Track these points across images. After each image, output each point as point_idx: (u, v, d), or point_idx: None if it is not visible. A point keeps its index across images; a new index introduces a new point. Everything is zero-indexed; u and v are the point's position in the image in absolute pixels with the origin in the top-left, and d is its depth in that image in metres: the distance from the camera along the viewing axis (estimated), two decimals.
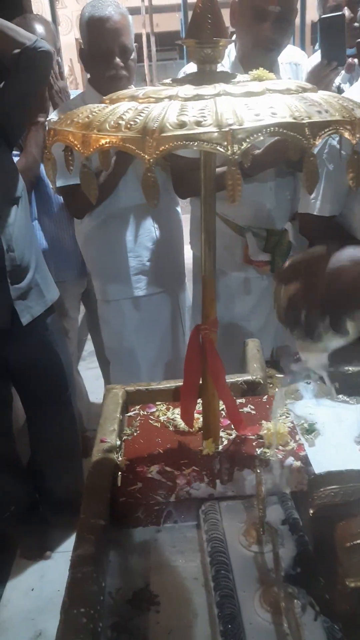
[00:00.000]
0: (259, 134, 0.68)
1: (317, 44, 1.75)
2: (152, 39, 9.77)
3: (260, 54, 1.59)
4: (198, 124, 0.69)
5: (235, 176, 0.68)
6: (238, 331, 1.89)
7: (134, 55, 1.78)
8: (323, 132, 0.71)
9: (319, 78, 1.70)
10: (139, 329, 2.06)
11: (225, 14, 1.06)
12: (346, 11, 1.96)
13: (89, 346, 3.53)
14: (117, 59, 1.72)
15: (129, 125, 0.71)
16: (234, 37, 1.68)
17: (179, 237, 2.08)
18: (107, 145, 0.72)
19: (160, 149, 0.69)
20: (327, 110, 0.73)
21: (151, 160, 0.69)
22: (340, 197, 1.62)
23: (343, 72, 1.82)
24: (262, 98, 0.73)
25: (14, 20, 2.06)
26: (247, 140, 0.68)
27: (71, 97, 2.09)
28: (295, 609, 0.70)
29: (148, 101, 0.76)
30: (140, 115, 0.72)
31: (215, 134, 0.68)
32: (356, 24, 1.89)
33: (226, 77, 0.83)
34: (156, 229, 1.98)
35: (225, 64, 1.68)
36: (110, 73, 1.74)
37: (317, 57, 1.98)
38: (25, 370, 1.82)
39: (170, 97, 0.75)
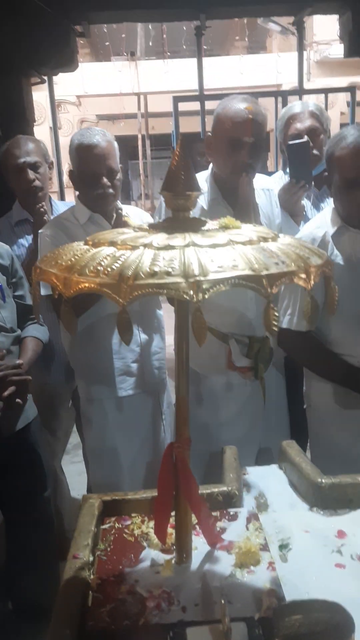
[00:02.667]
0: (222, 285, 0.76)
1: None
2: (147, 141, 10.47)
3: (236, 178, 1.74)
4: (168, 273, 0.77)
5: (201, 322, 0.75)
6: (224, 436, 1.92)
7: (119, 175, 1.94)
8: (279, 281, 0.79)
9: (289, 195, 1.86)
10: (121, 428, 2.08)
11: None
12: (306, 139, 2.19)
13: (73, 439, 3.51)
14: (104, 179, 1.88)
15: (106, 272, 0.79)
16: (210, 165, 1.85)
17: (161, 339, 2.16)
18: (86, 288, 0.80)
19: (134, 294, 0.77)
20: (283, 261, 0.82)
21: (125, 304, 0.76)
22: (316, 313, 1.72)
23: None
24: (225, 249, 0.82)
25: (7, 143, 2.27)
26: (211, 290, 0.76)
27: (63, 208, 2.24)
28: None
29: (125, 248, 0.85)
30: (117, 263, 0.80)
31: (183, 283, 0.76)
32: (315, 152, 2.09)
33: (196, 225, 0.93)
34: (140, 332, 2.06)
35: (203, 187, 1.84)
36: (97, 192, 1.90)
37: (279, 175, 2.17)
38: (3, 472, 1.82)
39: (145, 245, 0.84)
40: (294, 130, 2.17)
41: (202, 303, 0.75)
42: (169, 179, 0.93)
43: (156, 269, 0.78)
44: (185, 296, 0.75)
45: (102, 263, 0.81)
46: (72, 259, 0.85)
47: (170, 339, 2.15)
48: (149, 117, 10.39)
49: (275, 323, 0.79)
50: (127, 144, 12.24)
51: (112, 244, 0.87)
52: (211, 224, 0.95)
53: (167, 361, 2.23)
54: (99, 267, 0.80)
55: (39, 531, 1.92)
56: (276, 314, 0.79)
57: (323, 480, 1.32)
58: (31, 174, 2.22)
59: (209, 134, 1.80)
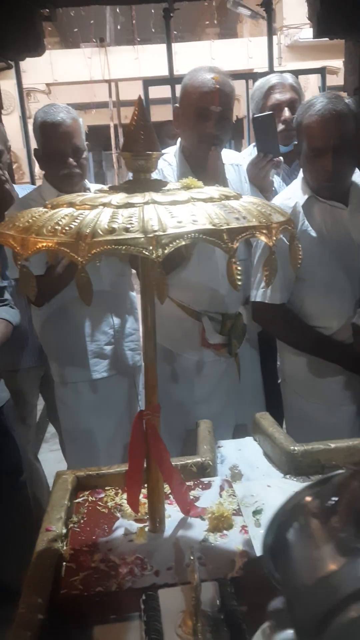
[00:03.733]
0: (181, 239, 0.75)
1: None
2: (120, 130, 10.37)
3: (204, 150, 1.73)
4: (126, 230, 0.76)
5: (161, 279, 0.75)
6: (200, 413, 1.92)
7: (85, 154, 1.91)
8: (240, 236, 0.79)
9: (258, 169, 1.85)
10: (96, 411, 2.07)
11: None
12: (287, 112, 2.16)
13: (51, 427, 3.49)
14: (70, 159, 1.85)
15: (64, 230, 0.78)
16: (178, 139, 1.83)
17: (135, 320, 2.15)
18: (44, 247, 0.79)
19: (92, 252, 0.75)
20: (245, 216, 0.81)
21: (83, 262, 0.75)
22: (289, 285, 1.73)
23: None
24: (185, 206, 0.81)
25: None
26: (170, 245, 0.75)
27: (20, 191, 2.20)
28: None
29: (84, 208, 0.83)
30: (75, 221, 0.79)
31: (142, 239, 0.75)
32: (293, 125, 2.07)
33: (157, 186, 0.92)
34: (113, 315, 2.05)
35: (171, 162, 1.82)
36: (64, 171, 1.86)
37: (249, 151, 2.15)
38: None
39: (104, 204, 0.83)
40: (274, 101, 2.12)
41: (161, 259, 0.74)
42: (128, 139, 0.92)
43: (115, 225, 0.77)
44: (144, 252, 0.74)
45: (60, 222, 0.80)
46: (30, 220, 0.83)
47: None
48: (121, 106, 10.30)
49: (239, 277, 0.78)
50: (100, 135, 12.11)
51: (71, 204, 0.86)
52: (173, 185, 0.94)
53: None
54: (56, 227, 0.79)
55: (17, 514, 1.90)
56: (239, 268, 0.78)
57: (296, 448, 1.33)
58: None
59: (176, 105, 1.78)
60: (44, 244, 0.78)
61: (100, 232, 0.76)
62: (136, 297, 2.21)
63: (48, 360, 2.13)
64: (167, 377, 1.93)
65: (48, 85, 8.75)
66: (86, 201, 0.85)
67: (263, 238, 0.81)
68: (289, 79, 2.18)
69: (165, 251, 0.74)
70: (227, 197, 0.87)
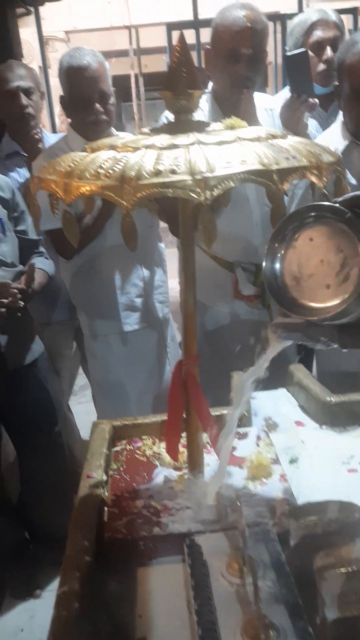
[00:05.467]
0: (230, 181, 0.72)
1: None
2: (141, 80, 10.07)
3: (236, 93, 1.66)
4: (173, 172, 0.73)
5: (209, 221, 0.72)
6: (233, 366, 1.91)
7: (112, 99, 1.85)
8: (291, 176, 0.75)
9: (291, 111, 1.77)
10: (127, 363, 2.08)
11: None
12: (329, 51, 2.05)
13: (79, 380, 3.55)
14: (97, 105, 1.80)
15: (108, 174, 0.75)
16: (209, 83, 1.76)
17: (163, 272, 2.13)
18: (87, 192, 0.76)
19: (138, 196, 0.73)
20: (294, 156, 0.77)
21: (129, 206, 0.73)
22: None
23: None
24: (233, 146, 0.77)
25: None
26: (219, 186, 0.72)
27: (54, 139, 2.16)
28: None
29: (126, 150, 0.80)
30: (118, 164, 0.76)
31: (189, 181, 0.72)
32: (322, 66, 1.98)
33: (200, 127, 0.88)
34: (143, 266, 2.03)
35: (203, 107, 1.75)
36: (90, 118, 1.81)
37: (284, 94, 2.06)
38: (14, 407, 1.83)
39: (147, 147, 0.79)
40: (316, 38, 2.02)
41: (209, 201, 0.72)
42: (169, 78, 0.87)
43: (160, 167, 0.74)
44: (192, 194, 0.71)
45: (103, 166, 0.77)
46: (71, 164, 0.80)
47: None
48: (141, 54, 9.95)
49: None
50: (119, 85, 11.71)
51: (112, 147, 0.82)
52: (216, 125, 0.90)
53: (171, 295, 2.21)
54: (99, 170, 0.76)
55: (52, 463, 1.95)
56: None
57: (332, 399, 1.33)
58: (24, 100, 2.12)
59: (208, 47, 1.71)
60: (87, 188, 0.76)
61: (146, 175, 0.73)
62: (164, 248, 2.18)
63: (77, 313, 2.14)
64: (200, 331, 1.92)
65: (67, 32, 8.47)
66: (128, 143, 0.82)
67: (313, 179, 0.78)
68: (333, 16, 2.07)
69: (214, 193, 0.71)
70: (274, 137, 0.83)
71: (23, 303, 1.65)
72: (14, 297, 1.60)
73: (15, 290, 1.61)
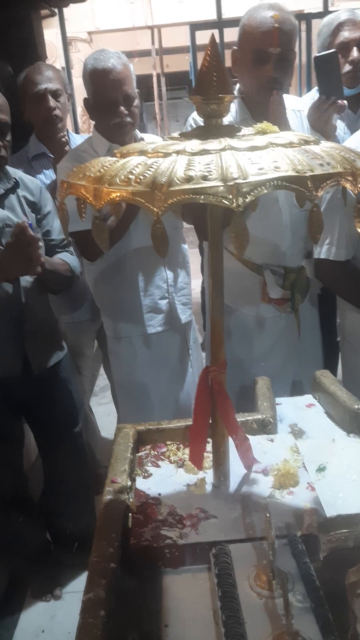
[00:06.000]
0: (263, 188, 0.71)
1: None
2: (163, 80, 10.07)
3: (265, 95, 1.63)
4: (204, 178, 0.72)
5: (241, 228, 0.71)
6: (258, 371, 1.90)
7: (136, 102, 1.84)
8: (325, 184, 0.74)
9: (319, 113, 1.74)
10: (149, 365, 2.08)
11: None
12: (355, 52, 2.02)
13: (100, 382, 3.56)
14: (122, 107, 1.79)
15: (138, 180, 0.75)
16: (237, 85, 1.74)
17: (187, 274, 2.12)
18: (117, 198, 0.75)
19: (169, 202, 0.72)
20: (328, 162, 0.76)
21: (160, 212, 0.72)
22: (354, 241, 1.66)
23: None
24: (265, 152, 0.76)
25: (26, 69, 2.16)
26: (252, 193, 0.71)
27: (80, 140, 2.16)
28: None
29: (157, 156, 0.79)
30: (149, 170, 0.75)
31: (221, 187, 0.71)
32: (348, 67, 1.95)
33: (231, 131, 0.86)
34: (166, 267, 2.02)
35: (231, 110, 1.74)
36: (115, 121, 1.81)
37: (312, 95, 2.03)
38: (37, 407, 1.84)
39: (177, 152, 0.78)
40: (343, 39, 1.99)
41: (241, 208, 0.70)
42: (200, 82, 0.86)
43: (192, 173, 0.73)
44: (224, 201, 0.70)
45: (134, 171, 0.76)
46: (101, 170, 0.80)
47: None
48: (163, 54, 9.94)
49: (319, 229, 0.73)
50: (141, 85, 11.74)
51: (142, 153, 0.82)
52: (247, 130, 0.89)
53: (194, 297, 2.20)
54: (130, 176, 0.76)
55: (73, 463, 1.96)
56: (322, 218, 0.74)
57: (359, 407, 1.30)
58: (52, 102, 2.13)
59: (235, 48, 1.69)
60: (118, 194, 0.75)
61: (177, 181, 0.72)
62: (188, 250, 2.17)
63: (101, 315, 2.14)
64: (225, 333, 1.90)
65: (90, 33, 8.49)
66: (158, 149, 0.81)
67: (348, 185, 0.76)
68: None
69: (247, 200, 0.70)
70: (307, 142, 0.82)
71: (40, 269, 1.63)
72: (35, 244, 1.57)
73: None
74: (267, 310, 1.85)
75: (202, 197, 0.71)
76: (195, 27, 4.43)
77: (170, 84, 11.43)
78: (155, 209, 0.72)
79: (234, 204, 0.70)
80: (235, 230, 0.72)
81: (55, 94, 2.15)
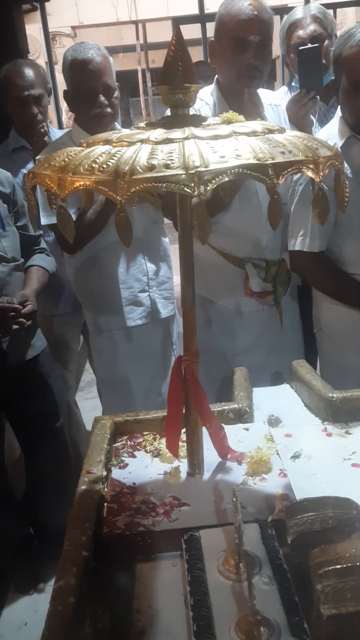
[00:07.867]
0: (224, 175, 0.72)
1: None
2: (148, 75, 10.05)
3: (244, 84, 1.64)
4: (167, 166, 0.72)
5: (203, 215, 0.71)
6: (241, 364, 1.90)
7: (117, 93, 1.84)
8: (286, 171, 0.74)
9: (298, 107, 1.76)
10: (131, 359, 2.08)
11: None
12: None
13: (86, 377, 3.55)
14: (102, 98, 1.79)
15: (102, 168, 0.75)
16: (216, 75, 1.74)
17: (168, 268, 2.12)
18: (81, 187, 0.76)
19: (132, 191, 0.72)
20: (290, 150, 0.77)
21: (122, 201, 0.72)
22: (327, 232, 1.67)
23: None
24: (228, 141, 0.77)
25: (6, 67, 2.14)
26: (213, 181, 0.71)
27: (60, 134, 2.16)
28: (268, 637, 0.71)
29: (121, 145, 0.80)
30: (112, 159, 0.76)
31: (183, 175, 0.71)
32: (323, 61, 1.96)
33: (197, 121, 0.87)
34: (146, 260, 2.02)
35: (209, 101, 1.74)
36: (95, 112, 1.81)
37: (284, 91, 2.05)
38: (17, 403, 1.84)
39: (142, 141, 0.79)
40: (296, 39, 2.03)
41: (203, 196, 0.71)
42: (165, 71, 0.87)
43: (154, 162, 0.73)
44: (186, 189, 0.71)
45: (97, 160, 0.77)
46: (66, 159, 0.80)
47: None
48: (149, 50, 9.92)
49: (280, 217, 0.74)
50: (127, 80, 11.72)
51: (107, 142, 0.82)
52: (212, 119, 0.89)
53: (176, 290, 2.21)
54: (93, 165, 0.76)
55: (55, 458, 1.96)
56: (281, 206, 0.75)
57: (334, 395, 1.32)
58: (35, 109, 2.11)
59: (211, 39, 1.69)
60: (81, 183, 0.75)
61: (140, 169, 0.73)
62: (169, 243, 2.18)
63: (82, 308, 2.14)
64: (206, 327, 1.91)
65: (74, 28, 8.46)
66: (123, 138, 0.81)
67: (310, 173, 0.77)
68: (313, 10, 2.07)
69: (208, 188, 0.71)
70: (271, 131, 0.82)
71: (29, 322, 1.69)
72: (21, 324, 1.65)
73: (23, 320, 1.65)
74: (250, 303, 1.86)
75: (164, 185, 0.72)
76: (178, 21, 4.43)
77: (155, 79, 11.40)
78: (118, 198, 0.72)
79: (196, 192, 0.71)
80: (198, 218, 0.72)
81: (38, 100, 2.13)
